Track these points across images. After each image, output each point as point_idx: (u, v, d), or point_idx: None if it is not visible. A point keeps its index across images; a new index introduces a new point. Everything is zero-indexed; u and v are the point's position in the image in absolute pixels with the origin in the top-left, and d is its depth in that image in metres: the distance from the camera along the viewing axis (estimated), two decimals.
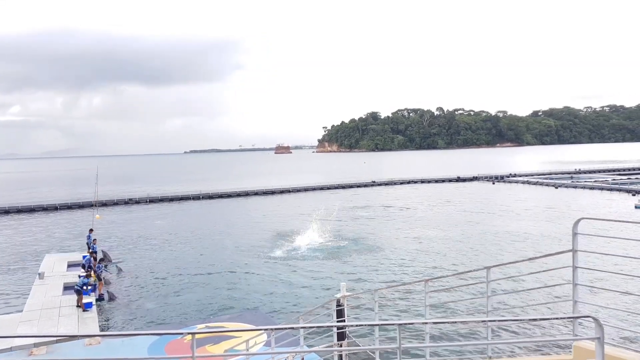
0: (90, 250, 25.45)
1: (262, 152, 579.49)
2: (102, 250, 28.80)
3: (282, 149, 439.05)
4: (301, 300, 20.63)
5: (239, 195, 67.53)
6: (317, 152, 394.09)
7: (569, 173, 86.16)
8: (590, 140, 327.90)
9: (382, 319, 16.93)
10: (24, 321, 17.04)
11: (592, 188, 60.85)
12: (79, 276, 21.65)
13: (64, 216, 51.09)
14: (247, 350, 11.31)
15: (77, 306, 18.41)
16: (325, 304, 11.94)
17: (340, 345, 9.82)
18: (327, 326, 10.92)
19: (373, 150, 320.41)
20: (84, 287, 18.73)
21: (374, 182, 79.60)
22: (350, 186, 76.62)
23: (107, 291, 21.73)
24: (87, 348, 14.28)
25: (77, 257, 27.08)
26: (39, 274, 23.07)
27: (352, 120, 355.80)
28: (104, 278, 22.48)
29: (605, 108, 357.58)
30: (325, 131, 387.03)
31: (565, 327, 14.77)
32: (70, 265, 25.68)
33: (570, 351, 5.92)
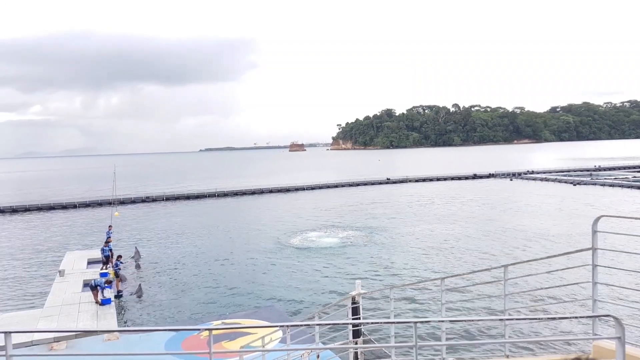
0: (109, 248, 25.86)
1: (277, 150, 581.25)
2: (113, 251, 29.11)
3: (296, 147, 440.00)
4: (316, 297, 20.68)
5: (253, 192, 67.89)
6: (331, 149, 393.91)
7: (588, 170, 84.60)
8: (610, 136, 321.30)
9: (398, 316, 16.87)
10: (44, 316, 17.42)
11: (612, 185, 59.68)
12: (100, 274, 22.04)
13: (83, 214, 51.98)
14: (263, 346, 11.36)
15: (95, 302, 18.72)
16: (341, 302, 11.93)
17: (356, 343, 9.81)
18: (343, 323, 10.91)
19: (388, 147, 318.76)
20: (102, 284, 19.02)
21: (389, 179, 79.23)
22: (365, 184, 76.37)
23: (140, 285, 22.05)
24: (106, 343, 14.53)
25: (97, 254, 27.42)
26: (60, 271, 23.52)
27: (367, 118, 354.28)
28: (121, 275, 22.82)
29: (625, 103, 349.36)
30: (339, 129, 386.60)
31: (585, 325, 14.54)
32: (90, 262, 26.15)
33: (589, 350, 5.82)
